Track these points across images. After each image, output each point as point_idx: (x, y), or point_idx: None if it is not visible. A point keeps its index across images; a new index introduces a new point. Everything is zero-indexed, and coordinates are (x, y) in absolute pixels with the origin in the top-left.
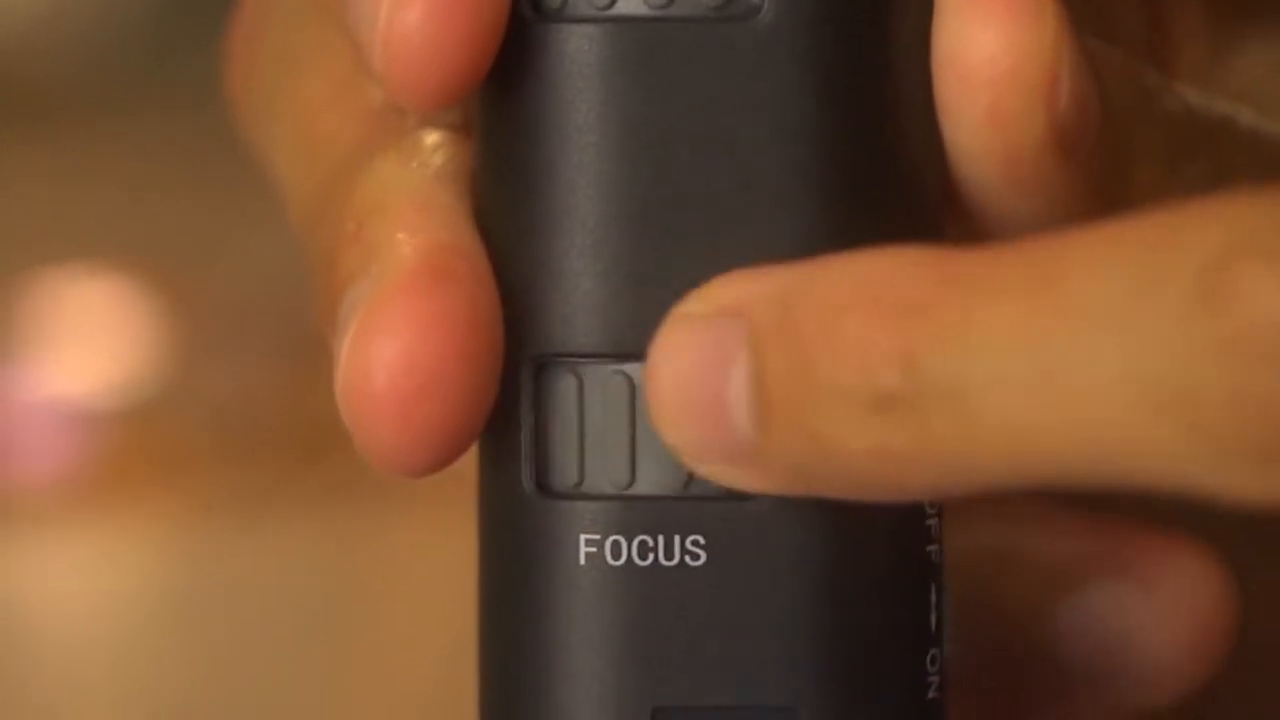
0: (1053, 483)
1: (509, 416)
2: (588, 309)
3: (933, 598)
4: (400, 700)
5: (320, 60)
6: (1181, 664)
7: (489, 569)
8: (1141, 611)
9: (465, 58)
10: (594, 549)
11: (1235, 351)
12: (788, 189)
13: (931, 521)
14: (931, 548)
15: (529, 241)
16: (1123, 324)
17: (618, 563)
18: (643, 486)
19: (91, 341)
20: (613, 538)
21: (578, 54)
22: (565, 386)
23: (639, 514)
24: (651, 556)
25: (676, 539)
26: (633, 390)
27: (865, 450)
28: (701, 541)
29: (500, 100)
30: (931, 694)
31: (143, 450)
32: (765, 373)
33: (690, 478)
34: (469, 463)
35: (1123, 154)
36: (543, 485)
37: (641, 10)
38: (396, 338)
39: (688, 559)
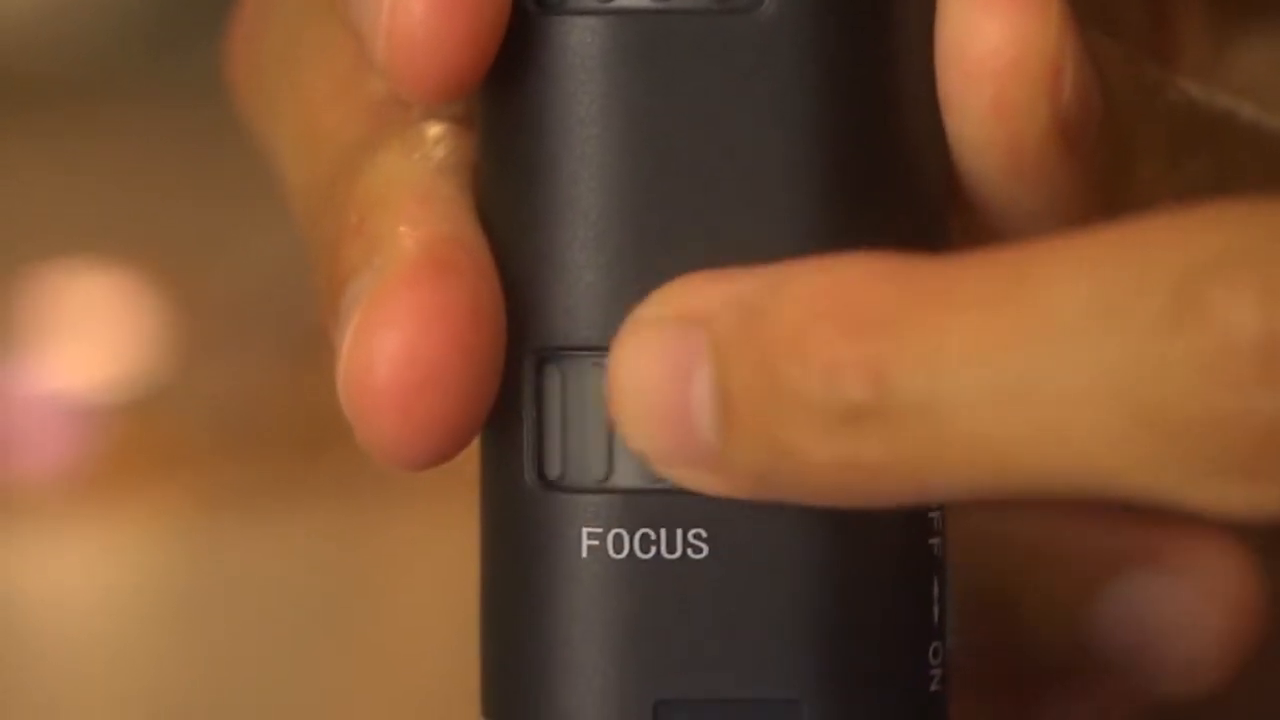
0: (1025, 494)
1: (511, 409)
2: (590, 301)
3: (935, 591)
4: (402, 694)
5: (322, 56)
6: (1213, 655)
7: (491, 563)
8: (1173, 603)
9: (468, 51)
10: (596, 542)
11: (1209, 368)
12: (790, 181)
13: (934, 515)
14: (934, 541)
15: (531, 234)
16: (1095, 338)
17: (620, 556)
18: (645, 480)
19: (92, 336)
20: (615, 531)
21: (580, 46)
22: (567, 379)
23: (641, 507)
24: (654, 549)
25: (679, 532)
26: None
27: (832, 461)
28: (704, 535)
29: (503, 93)
30: (934, 687)
31: (143, 445)
32: (729, 382)
33: None
34: (470, 457)
35: (1125, 148)
36: (545, 478)
37: (644, 3)
38: (398, 330)
39: (690, 552)
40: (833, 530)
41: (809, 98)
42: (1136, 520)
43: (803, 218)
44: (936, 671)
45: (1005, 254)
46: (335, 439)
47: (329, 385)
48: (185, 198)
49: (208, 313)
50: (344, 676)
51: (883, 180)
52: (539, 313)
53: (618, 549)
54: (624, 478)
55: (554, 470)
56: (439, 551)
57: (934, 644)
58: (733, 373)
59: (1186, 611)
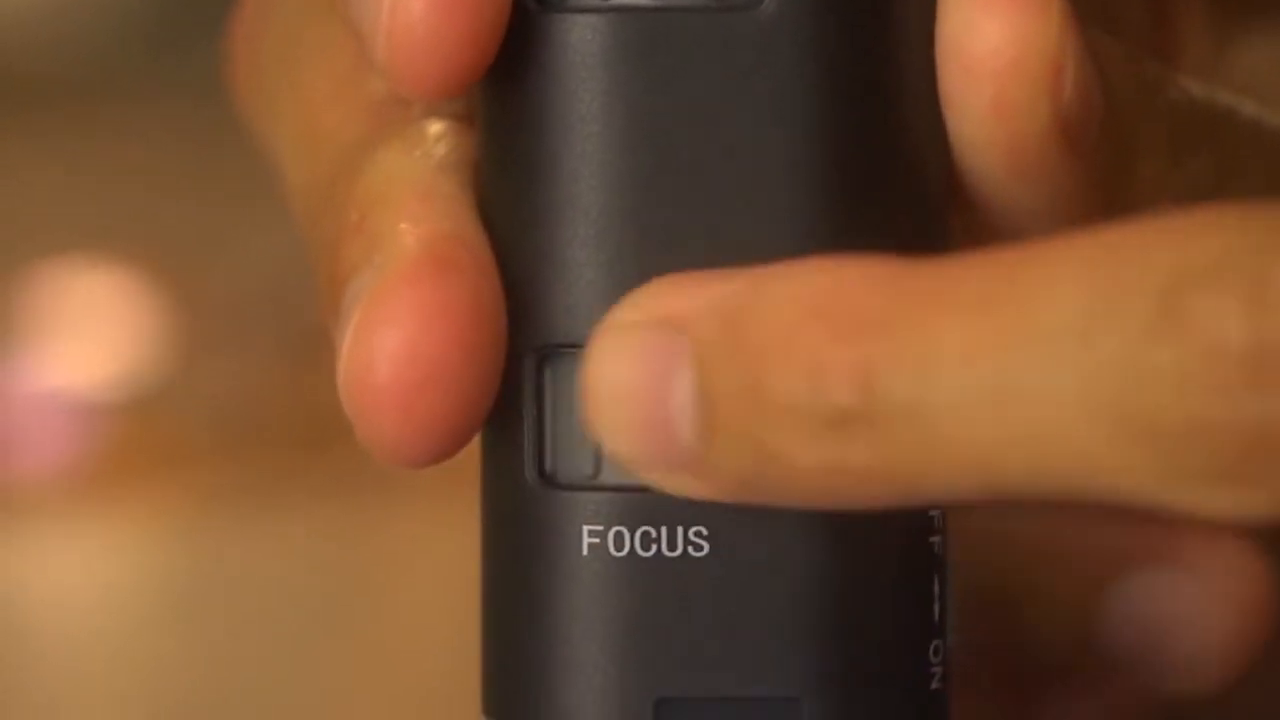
0: (1013, 497)
1: (511, 407)
2: (591, 299)
3: (936, 589)
4: (403, 692)
5: (322, 55)
6: (1219, 653)
7: (492, 561)
8: (1180, 600)
9: (469, 48)
10: (597, 540)
11: (1196, 374)
12: (790, 179)
13: (935, 513)
14: (935, 539)
15: (532, 232)
16: (1083, 342)
17: (621, 554)
18: None
19: (92, 335)
20: (616, 528)
21: (581, 44)
22: (568, 377)
23: (642, 505)
24: (655, 547)
25: (679, 530)
26: None
27: (818, 465)
28: (704, 532)
29: (503, 90)
30: (934, 685)
31: (144, 443)
32: (712, 387)
33: None
34: (470, 455)
35: (1126, 146)
36: (546, 476)
37: (644, 1)
38: (399, 328)
39: (691, 550)
40: (833, 529)
41: (809, 96)
42: (1141, 519)
43: (802, 216)
44: (937, 670)
45: (994, 257)
46: (335, 438)
47: (329, 384)
48: (185, 198)
49: (208, 312)
50: (344, 676)
51: (883, 179)
52: (540, 310)
53: (618, 547)
54: (625, 476)
55: (554, 468)
56: (439, 550)
57: (935, 642)
58: (715, 376)
59: (1194, 609)
